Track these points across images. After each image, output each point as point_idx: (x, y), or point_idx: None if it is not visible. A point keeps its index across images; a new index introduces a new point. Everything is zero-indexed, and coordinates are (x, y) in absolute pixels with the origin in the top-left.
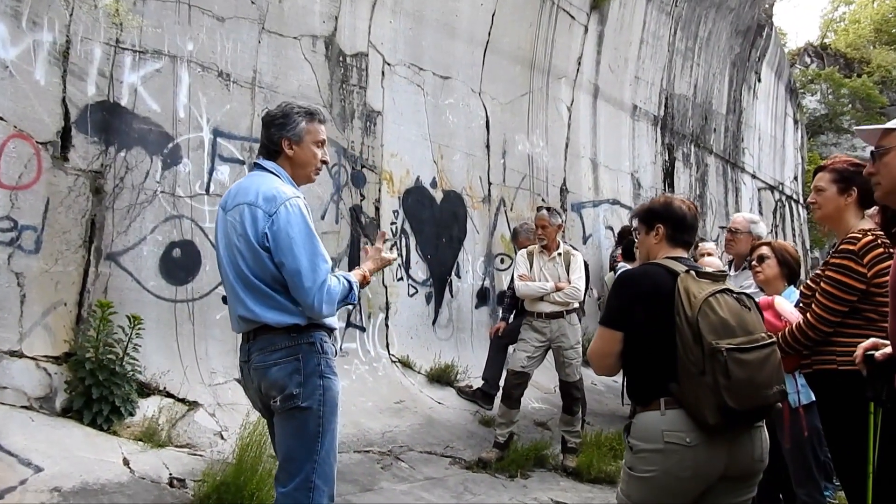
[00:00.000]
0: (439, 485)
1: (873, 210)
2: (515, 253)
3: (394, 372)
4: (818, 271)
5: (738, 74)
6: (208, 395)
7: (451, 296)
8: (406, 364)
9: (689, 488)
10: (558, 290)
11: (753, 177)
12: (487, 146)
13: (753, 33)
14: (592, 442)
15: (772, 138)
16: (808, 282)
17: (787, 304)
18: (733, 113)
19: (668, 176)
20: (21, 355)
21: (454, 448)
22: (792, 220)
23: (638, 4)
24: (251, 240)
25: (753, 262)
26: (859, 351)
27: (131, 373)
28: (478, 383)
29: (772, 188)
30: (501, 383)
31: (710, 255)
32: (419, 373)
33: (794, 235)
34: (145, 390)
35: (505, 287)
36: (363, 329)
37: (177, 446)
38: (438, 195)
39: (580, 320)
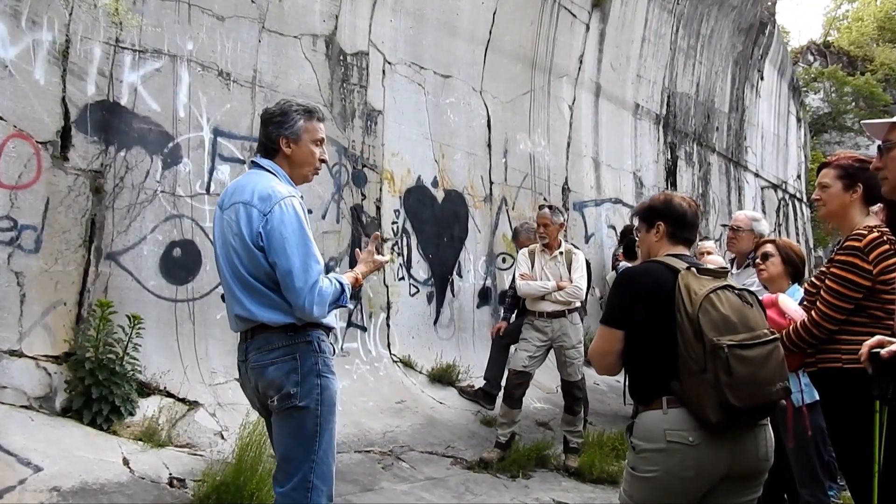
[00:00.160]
0: (440, 485)
1: (878, 207)
2: (517, 252)
3: (395, 372)
4: (823, 268)
5: (741, 72)
6: (209, 394)
7: (453, 295)
8: (407, 364)
9: (693, 488)
10: (560, 289)
11: (756, 175)
12: (489, 145)
13: (756, 31)
14: (594, 442)
15: (775, 136)
16: (813, 279)
17: (790, 301)
18: (736, 111)
19: (671, 175)
20: (21, 355)
21: (455, 448)
22: (795, 219)
23: (640, 2)
24: (246, 239)
25: (757, 260)
26: (864, 348)
27: (131, 372)
28: (479, 383)
29: (775, 187)
30: (503, 383)
31: (709, 253)
32: (420, 373)
33: (797, 234)
34: (145, 390)
35: (506, 286)
36: (364, 329)
37: (177, 446)
38: (440, 194)
39: (582, 319)
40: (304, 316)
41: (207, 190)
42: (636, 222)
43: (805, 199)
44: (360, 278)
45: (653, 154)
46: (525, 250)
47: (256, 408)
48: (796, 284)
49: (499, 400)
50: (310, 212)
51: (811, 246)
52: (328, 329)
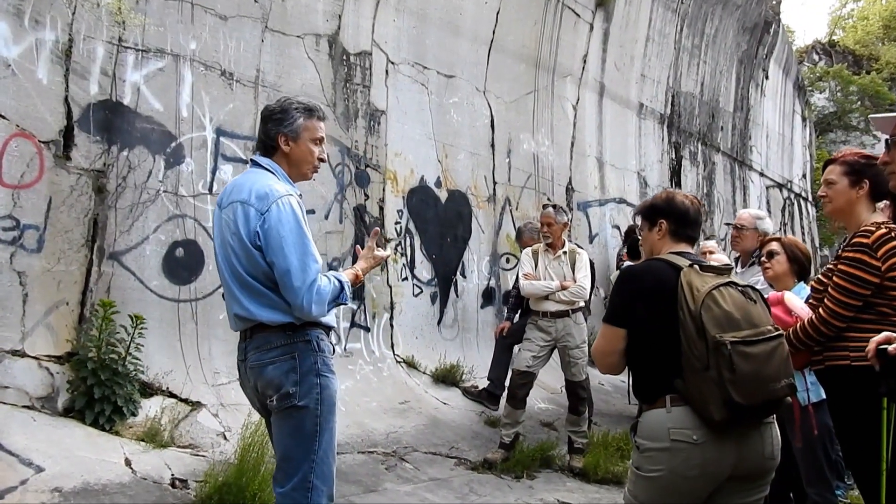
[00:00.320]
0: (444, 486)
1: (884, 204)
2: (520, 252)
3: (398, 372)
4: (830, 265)
5: (746, 72)
6: (211, 395)
7: (457, 296)
8: (411, 364)
9: (698, 487)
10: (563, 288)
11: (761, 175)
12: (492, 145)
13: (761, 30)
14: (599, 442)
15: (780, 136)
16: (820, 276)
17: (797, 299)
18: (741, 110)
19: (675, 174)
20: (23, 355)
21: (459, 449)
22: (801, 218)
23: (644, 2)
24: (244, 238)
25: (763, 258)
26: (871, 345)
27: (134, 373)
28: (483, 383)
29: (780, 186)
30: (507, 383)
31: (711, 253)
32: (424, 373)
33: (803, 233)
34: (148, 390)
35: (510, 287)
36: (368, 329)
37: (179, 447)
38: (443, 195)
39: (586, 319)
40: (302, 315)
41: (210, 190)
42: (639, 220)
43: (811, 199)
44: (361, 275)
45: (657, 154)
46: (528, 250)
47: (256, 407)
48: (802, 283)
49: (502, 400)
50: (312, 212)
51: (817, 245)
52: (328, 328)
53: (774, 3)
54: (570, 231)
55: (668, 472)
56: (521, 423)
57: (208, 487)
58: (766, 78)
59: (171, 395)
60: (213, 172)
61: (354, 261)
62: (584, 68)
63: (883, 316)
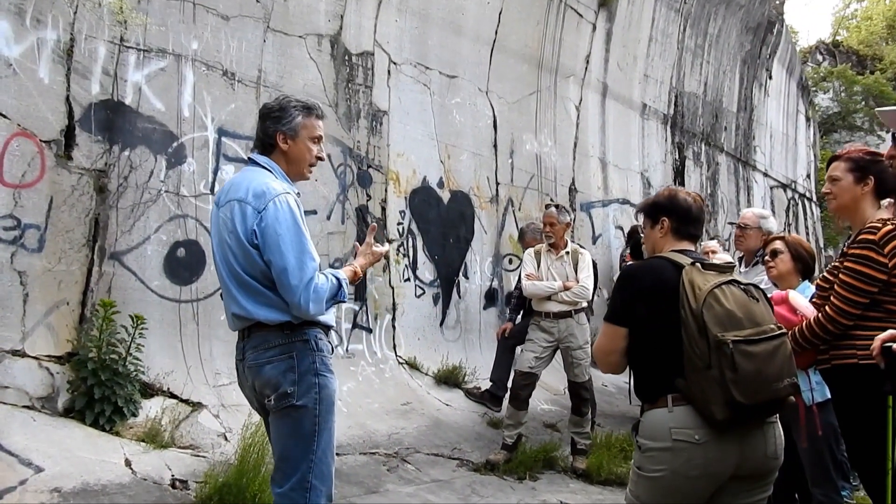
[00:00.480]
0: (446, 487)
1: (888, 201)
2: (523, 253)
3: (401, 373)
4: (836, 263)
5: (749, 72)
6: (212, 395)
7: (459, 297)
8: (413, 365)
9: (700, 488)
10: (566, 289)
11: (765, 175)
12: (495, 146)
13: (764, 30)
14: (602, 443)
15: (784, 136)
16: (825, 274)
17: (801, 298)
18: (744, 111)
19: (679, 175)
20: (23, 355)
21: (461, 450)
22: (805, 219)
23: (646, 2)
24: (241, 237)
25: (766, 257)
26: (877, 343)
27: (134, 373)
28: (486, 385)
29: (784, 186)
30: (509, 384)
31: (714, 253)
32: (426, 374)
33: (807, 234)
34: (148, 391)
35: (513, 288)
36: (370, 330)
37: (180, 447)
38: (445, 195)
39: (589, 320)
40: (300, 314)
41: (212, 190)
42: (641, 218)
43: (815, 199)
44: (360, 271)
45: (660, 154)
46: (531, 250)
47: (255, 407)
48: (806, 281)
49: (505, 401)
50: (314, 212)
51: (821, 245)
52: (326, 327)
53: (778, 2)
54: (573, 232)
55: (670, 472)
56: (523, 425)
57: (208, 488)
58: (770, 78)
59: (172, 396)
60: (215, 172)
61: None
62: (586, 68)
63: (890, 314)
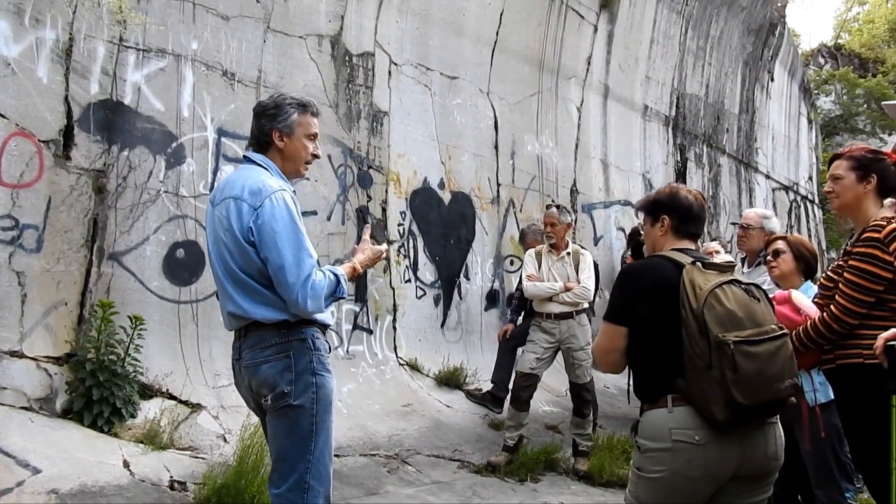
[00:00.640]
0: (447, 489)
1: (890, 201)
2: (524, 254)
3: (401, 375)
4: (840, 262)
5: (751, 74)
6: (212, 397)
7: (460, 298)
8: (414, 367)
9: (700, 488)
10: (567, 290)
11: (767, 177)
12: (496, 147)
13: (766, 32)
14: (604, 445)
15: (786, 138)
16: (829, 273)
17: (804, 297)
18: (746, 112)
19: (681, 176)
20: (21, 355)
21: (462, 452)
22: (807, 221)
23: (648, 3)
24: (237, 234)
25: (769, 257)
26: (880, 341)
27: (133, 374)
28: (487, 386)
29: (786, 188)
30: (511, 386)
31: (717, 253)
32: (427, 376)
33: (809, 236)
34: (147, 392)
35: (514, 289)
36: (370, 331)
37: (179, 449)
38: (446, 196)
39: (590, 321)
40: (298, 311)
41: (211, 190)
42: (641, 216)
43: (817, 201)
44: (358, 268)
45: (662, 156)
46: (532, 251)
47: (251, 407)
48: (809, 281)
49: (506, 403)
50: (314, 213)
51: (824, 248)
52: (323, 326)
53: (779, 4)
54: (574, 233)
55: (669, 473)
56: (524, 426)
57: (207, 490)
58: (772, 80)
59: (171, 397)
60: (215, 173)
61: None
62: (588, 70)
63: (895, 312)
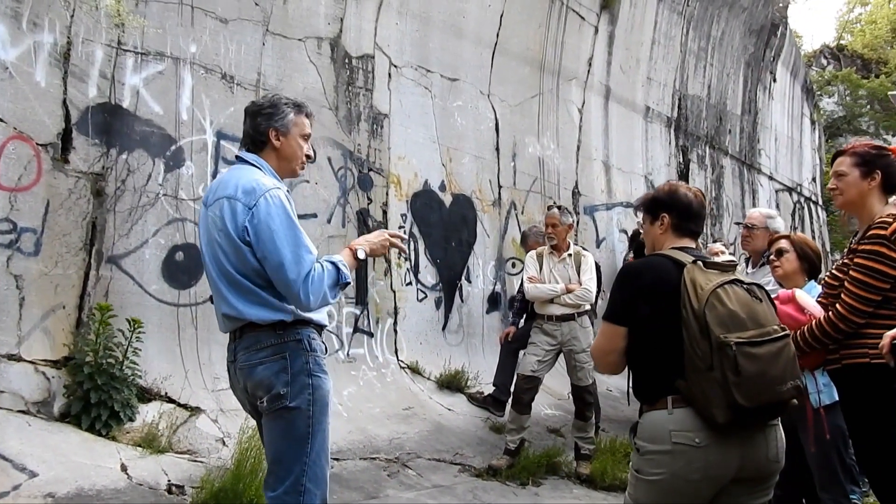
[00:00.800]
0: (447, 493)
1: (895, 198)
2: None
3: (402, 378)
4: (845, 260)
5: (753, 74)
6: (211, 400)
7: (462, 301)
8: (415, 370)
9: (700, 491)
10: (569, 291)
11: (770, 178)
12: (497, 149)
13: (768, 32)
14: (607, 448)
15: (789, 139)
16: (834, 271)
17: (808, 297)
18: (748, 113)
19: (683, 178)
20: (19, 359)
21: (464, 455)
22: (811, 222)
23: (649, 4)
24: (231, 234)
25: (772, 257)
26: (886, 340)
27: (131, 377)
28: (489, 389)
29: (790, 190)
30: (513, 389)
31: (722, 253)
32: (428, 379)
33: (813, 237)
34: (146, 395)
35: (516, 292)
36: (371, 334)
37: (177, 452)
38: (447, 198)
39: (592, 323)
40: (303, 308)
41: None
42: (640, 215)
43: (821, 203)
44: (353, 246)
45: (664, 157)
46: (533, 253)
47: (247, 410)
48: (812, 281)
49: (508, 406)
50: (314, 216)
51: (828, 249)
52: (320, 327)
53: (781, 5)
54: (576, 235)
55: (669, 476)
56: (526, 429)
57: (204, 493)
58: (774, 81)
59: (170, 401)
60: (214, 176)
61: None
62: (589, 71)
63: None
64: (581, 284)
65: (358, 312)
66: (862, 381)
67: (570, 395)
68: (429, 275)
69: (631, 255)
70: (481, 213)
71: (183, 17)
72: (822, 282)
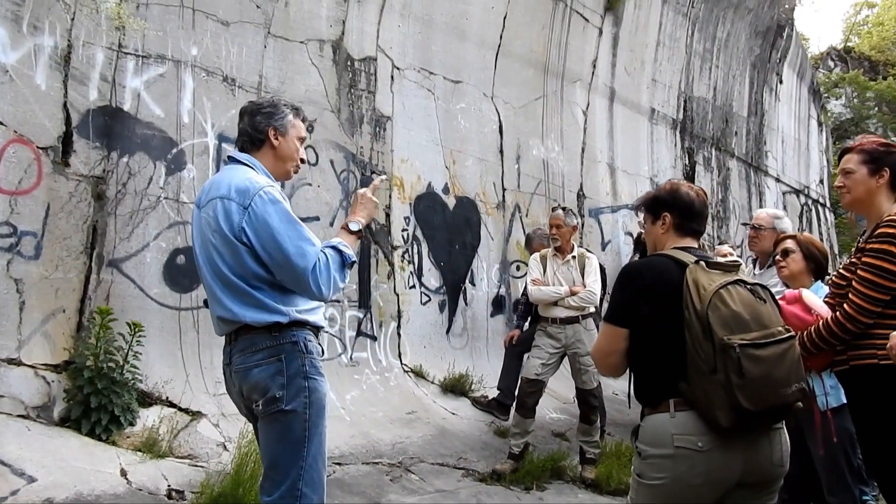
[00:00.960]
0: (450, 497)
1: None
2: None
3: (406, 382)
4: (853, 259)
5: (759, 76)
6: (212, 404)
7: (466, 304)
8: (419, 374)
9: (703, 496)
10: (573, 294)
11: (777, 180)
12: (501, 151)
13: (773, 34)
14: (612, 452)
15: (795, 141)
16: (841, 270)
17: (815, 297)
18: (755, 115)
19: (689, 180)
20: (19, 363)
21: (467, 460)
22: (819, 225)
23: (653, 6)
24: (227, 234)
25: (777, 257)
26: (892, 340)
27: (132, 381)
28: (493, 393)
29: (797, 192)
30: (516, 392)
31: (731, 255)
32: (432, 383)
33: (821, 240)
34: (147, 400)
35: (521, 294)
36: (374, 338)
37: (178, 457)
38: (451, 201)
39: (596, 326)
40: (316, 299)
41: None
42: (641, 214)
43: (828, 205)
44: (346, 224)
45: (670, 159)
46: (537, 255)
47: (243, 413)
48: (819, 282)
49: (513, 410)
50: (317, 218)
51: (836, 252)
52: (316, 329)
53: (787, 6)
54: (581, 237)
55: (671, 480)
56: (530, 433)
57: (204, 498)
58: (781, 82)
59: (171, 405)
60: None
61: (360, 268)
62: (593, 73)
63: None
64: (585, 287)
65: (361, 316)
66: (870, 383)
67: (575, 398)
68: (432, 278)
69: (636, 257)
70: (485, 216)
71: (184, 20)
72: (830, 281)
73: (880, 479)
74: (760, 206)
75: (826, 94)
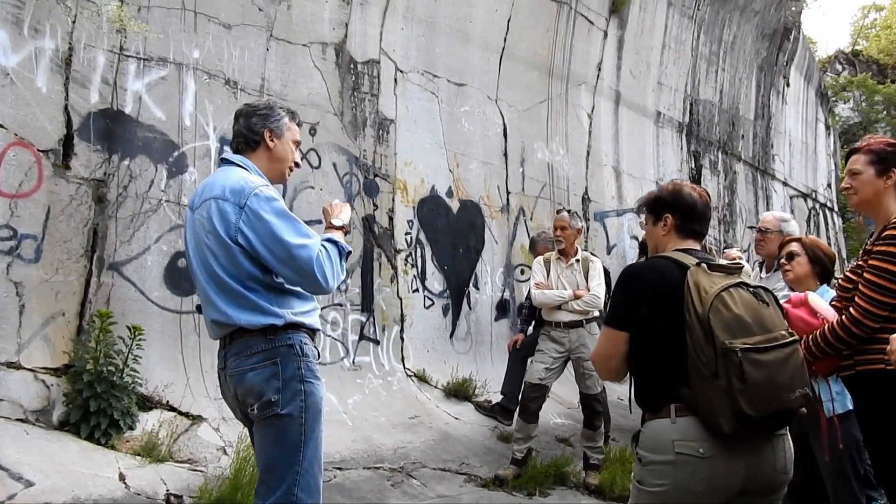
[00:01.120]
0: (452, 503)
1: None
2: None
3: (409, 386)
4: (860, 262)
5: (766, 79)
6: (213, 408)
7: (469, 308)
8: (422, 378)
9: (705, 502)
10: (577, 297)
11: (785, 184)
12: (505, 154)
13: (780, 37)
14: (616, 458)
15: (803, 144)
16: (847, 273)
17: (821, 300)
18: (762, 118)
19: (695, 183)
20: (19, 367)
21: (470, 465)
22: (826, 229)
23: (659, 8)
24: (222, 235)
25: (782, 260)
26: (893, 345)
27: (132, 385)
28: (497, 398)
29: (804, 196)
30: (520, 397)
31: (739, 259)
32: (435, 387)
33: (829, 244)
34: (147, 403)
35: (524, 298)
36: (377, 342)
37: (177, 461)
38: (454, 204)
39: (601, 329)
40: (322, 291)
41: None
42: (643, 215)
43: (836, 209)
44: (328, 221)
45: (676, 163)
46: (540, 258)
47: (239, 418)
48: (825, 285)
49: (516, 415)
50: (320, 222)
51: (844, 256)
52: (312, 331)
53: (794, 9)
54: (586, 241)
55: (672, 487)
56: (533, 438)
57: (202, 503)
58: (788, 85)
59: (171, 409)
60: None
61: (363, 271)
62: (598, 76)
63: None
64: (589, 290)
65: (364, 320)
66: (877, 388)
67: (580, 403)
68: (436, 282)
69: (642, 260)
70: (489, 220)
71: (186, 23)
72: (836, 285)
73: (889, 487)
74: (768, 210)
75: (834, 98)
